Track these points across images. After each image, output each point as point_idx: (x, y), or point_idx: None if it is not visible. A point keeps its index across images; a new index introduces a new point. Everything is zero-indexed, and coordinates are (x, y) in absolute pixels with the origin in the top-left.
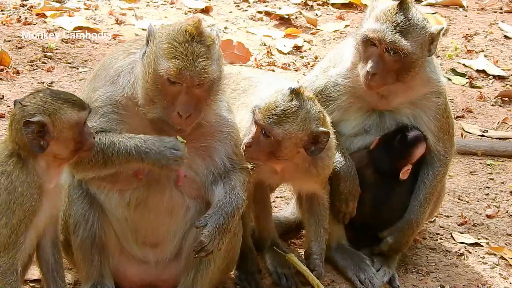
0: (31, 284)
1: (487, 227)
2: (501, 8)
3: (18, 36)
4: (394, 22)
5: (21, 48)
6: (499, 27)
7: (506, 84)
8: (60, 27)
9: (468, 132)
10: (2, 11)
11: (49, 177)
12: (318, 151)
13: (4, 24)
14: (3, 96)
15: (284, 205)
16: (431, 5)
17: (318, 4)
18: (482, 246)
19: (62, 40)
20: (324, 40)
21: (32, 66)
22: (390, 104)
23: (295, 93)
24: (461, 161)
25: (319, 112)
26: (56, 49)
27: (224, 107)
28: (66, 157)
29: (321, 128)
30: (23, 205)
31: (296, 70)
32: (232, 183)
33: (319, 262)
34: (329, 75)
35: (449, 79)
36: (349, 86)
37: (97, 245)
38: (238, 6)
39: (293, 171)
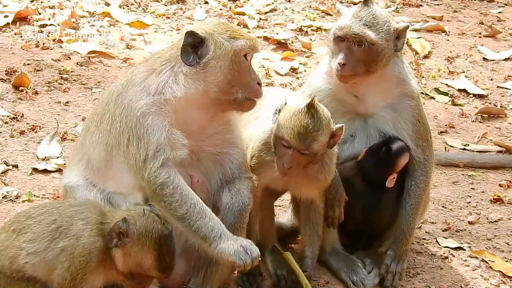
0: None
1: (469, 233)
2: (480, 33)
3: (37, 60)
4: (358, 17)
5: (39, 70)
6: (479, 50)
7: (485, 102)
8: (75, 51)
9: (451, 146)
10: (21, 36)
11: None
12: (333, 144)
13: (23, 49)
14: (23, 114)
15: (281, 213)
16: (416, 30)
17: (312, 30)
18: (465, 250)
19: (77, 63)
20: (318, 62)
21: (49, 87)
22: (368, 106)
23: (311, 106)
24: (444, 172)
25: (327, 110)
26: (72, 71)
27: (235, 120)
28: (119, 273)
29: (337, 125)
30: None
31: (293, 90)
32: (237, 186)
33: (311, 265)
34: (311, 84)
35: (433, 98)
36: (329, 88)
37: None
38: None
39: (301, 177)
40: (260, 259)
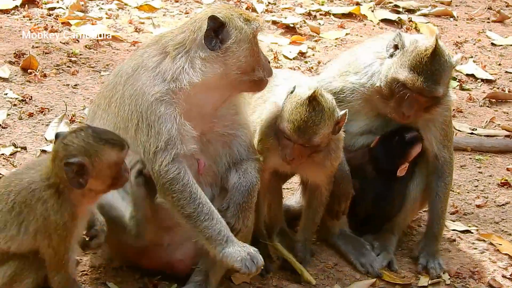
0: None
1: (477, 216)
2: (488, 18)
3: (45, 43)
4: (429, 71)
5: (48, 53)
6: (487, 35)
7: (493, 87)
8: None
9: (459, 130)
10: (30, 20)
11: (83, 205)
12: (339, 130)
13: (32, 32)
14: (31, 97)
15: (289, 195)
16: (424, 15)
17: (320, 14)
18: (472, 233)
19: (86, 46)
20: (326, 47)
21: (58, 69)
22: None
23: (312, 99)
24: None
25: (332, 100)
26: (80, 54)
27: (244, 104)
28: (101, 190)
29: (340, 113)
30: (57, 231)
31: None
32: (243, 167)
33: (302, 248)
34: (347, 80)
35: None
36: (367, 95)
37: None
38: None
39: (307, 163)
40: (269, 242)
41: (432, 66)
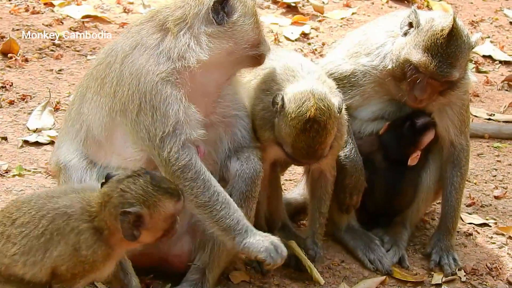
0: None
1: (495, 208)
2: None
3: (26, 25)
4: (444, 54)
5: (30, 36)
6: (505, 14)
7: None
8: (68, 15)
9: (475, 116)
10: (10, 0)
11: (121, 249)
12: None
13: (12, 14)
14: (12, 83)
15: (292, 187)
16: None
17: None
18: (490, 226)
19: (70, 28)
20: (331, 27)
21: (40, 54)
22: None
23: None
24: None
25: (329, 93)
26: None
27: (240, 82)
28: (147, 242)
29: (338, 99)
30: (83, 264)
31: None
32: (246, 154)
33: (311, 245)
34: (359, 62)
35: None
36: (380, 78)
37: None
38: None
39: None
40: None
41: (448, 49)
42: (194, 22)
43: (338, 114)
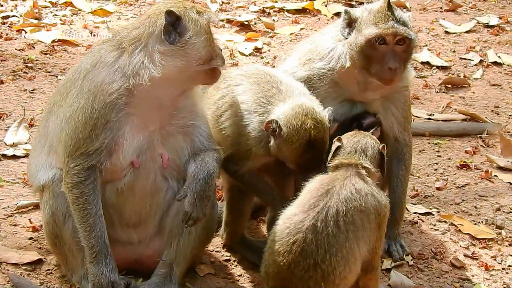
0: (23, 268)
1: (437, 198)
2: (441, 8)
3: (1, 50)
4: (395, 16)
5: (4, 60)
6: (440, 24)
7: (448, 73)
8: (39, 40)
9: (416, 116)
10: None
11: None
12: None
13: None
14: None
15: None
16: None
17: (274, 11)
18: (433, 215)
19: (41, 52)
20: (281, 42)
21: (14, 75)
22: (368, 96)
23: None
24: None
25: (316, 106)
26: (36, 60)
27: (200, 94)
28: None
29: (326, 110)
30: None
31: None
32: (201, 156)
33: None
34: (314, 67)
35: None
36: (335, 80)
37: None
38: None
39: None
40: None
41: (394, 14)
42: (149, 41)
43: (329, 125)
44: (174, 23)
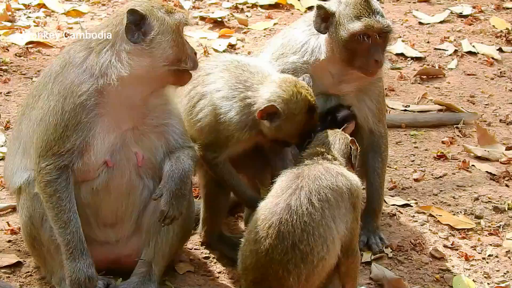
0: (2, 271)
1: (415, 190)
2: None
3: None
4: (374, 10)
5: None
6: (414, 15)
7: (423, 64)
8: (12, 43)
9: (392, 108)
10: None
11: None
12: None
13: None
14: None
15: None
16: None
17: (247, 7)
18: (412, 206)
19: (16, 54)
20: (255, 37)
21: None
22: (343, 89)
23: (313, 101)
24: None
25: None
26: (11, 62)
27: (174, 95)
28: None
29: (303, 76)
30: None
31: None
32: (176, 154)
33: None
34: (287, 61)
35: None
36: (309, 73)
37: None
38: None
39: None
40: None
41: (372, 5)
42: (116, 41)
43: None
44: (138, 22)
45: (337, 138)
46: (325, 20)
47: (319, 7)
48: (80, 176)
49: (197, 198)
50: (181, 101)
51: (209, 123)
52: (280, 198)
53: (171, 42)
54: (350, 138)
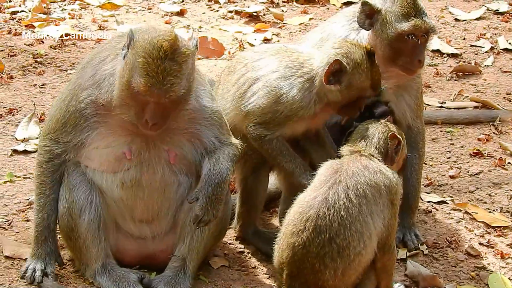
0: None
1: (451, 187)
2: None
3: (10, 45)
4: (420, 9)
5: (13, 55)
6: (450, 12)
7: (459, 61)
8: (48, 35)
9: (428, 105)
10: None
11: None
12: None
13: None
14: None
15: None
16: None
17: (283, 1)
18: (448, 203)
19: (51, 47)
20: (291, 32)
21: (24, 71)
22: (382, 85)
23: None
24: None
25: None
26: (46, 54)
27: (206, 97)
28: None
29: None
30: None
31: None
32: (215, 155)
33: None
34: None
35: None
36: None
37: (102, 226)
38: (210, 7)
39: None
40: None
41: (418, 4)
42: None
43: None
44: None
45: (376, 132)
46: (369, 16)
47: (365, 3)
48: (104, 162)
49: (233, 193)
50: (228, 91)
51: (265, 104)
52: (318, 191)
53: None
54: (390, 132)
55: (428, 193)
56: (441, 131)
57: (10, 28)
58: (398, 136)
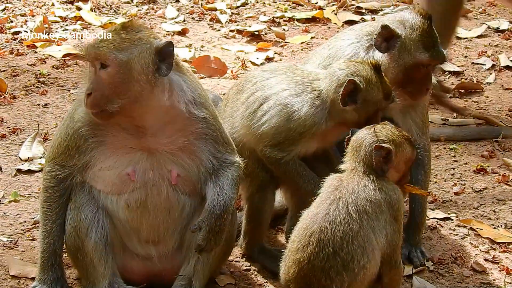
0: None
1: (455, 203)
2: None
3: (12, 66)
4: (437, 39)
5: (16, 75)
6: None
7: (461, 78)
8: (50, 55)
9: (431, 122)
10: None
11: None
12: None
13: None
14: (2, 118)
15: None
16: (387, 14)
17: (284, 21)
18: (452, 220)
19: (53, 67)
20: (292, 51)
21: (27, 91)
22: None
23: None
24: None
25: None
26: (48, 74)
27: (192, 103)
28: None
29: None
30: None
31: None
32: (220, 182)
33: None
34: None
35: None
36: None
37: (109, 245)
38: (212, 27)
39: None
40: None
41: (435, 34)
42: None
43: None
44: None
45: (363, 145)
46: (387, 39)
47: (385, 27)
48: (104, 187)
49: (239, 210)
50: (237, 109)
51: (278, 123)
52: (319, 208)
53: None
54: (376, 143)
55: (432, 210)
56: (445, 148)
57: (12, 48)
58: (385, 145)
